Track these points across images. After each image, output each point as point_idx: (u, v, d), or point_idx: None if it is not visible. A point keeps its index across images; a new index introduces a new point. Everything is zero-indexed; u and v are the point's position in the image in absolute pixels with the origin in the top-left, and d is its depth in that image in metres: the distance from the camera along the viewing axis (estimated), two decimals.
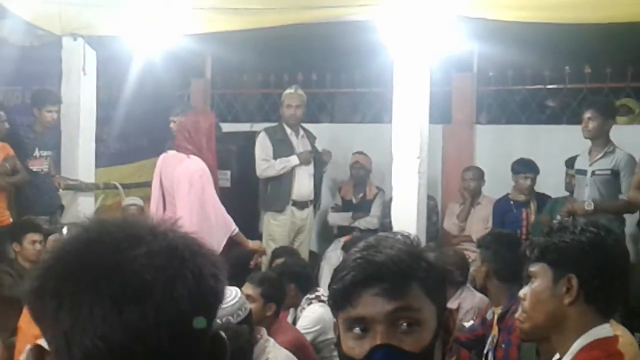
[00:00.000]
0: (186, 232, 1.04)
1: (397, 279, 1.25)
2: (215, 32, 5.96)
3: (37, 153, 6.01)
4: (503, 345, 3.34)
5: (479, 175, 6.58)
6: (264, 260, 5.46)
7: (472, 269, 4.24)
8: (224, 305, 3.21)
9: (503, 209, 6.29)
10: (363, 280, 1.26)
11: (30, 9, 5.99)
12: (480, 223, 6.42)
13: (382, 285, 1.25)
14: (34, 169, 5.97)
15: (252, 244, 5.16)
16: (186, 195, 4.68)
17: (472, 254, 6.13)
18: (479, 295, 4.28)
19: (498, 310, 3.47)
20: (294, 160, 6.20)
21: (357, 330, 1.26)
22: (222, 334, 1.03)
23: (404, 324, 1.24)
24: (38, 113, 6.02)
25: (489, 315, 3.56)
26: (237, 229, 4.91)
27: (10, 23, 6.70)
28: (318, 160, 6.48)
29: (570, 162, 5.80)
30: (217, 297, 1.01)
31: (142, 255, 0.95)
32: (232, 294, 3.30)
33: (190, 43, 6.34)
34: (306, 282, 4.49)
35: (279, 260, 5.00)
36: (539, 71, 7.02)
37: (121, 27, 5.93)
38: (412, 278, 1.26)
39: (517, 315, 1.96)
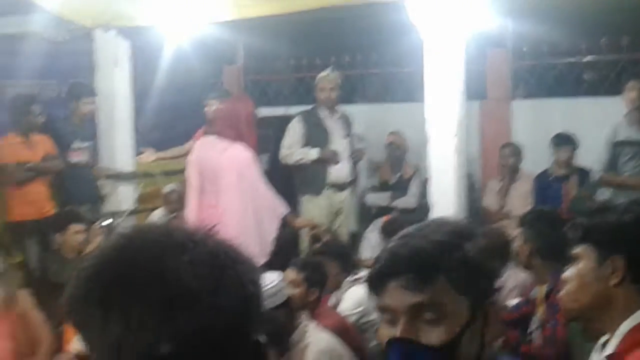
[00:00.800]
0: (224, 238, 1.05)
1: (422, 271, 1.23)
2: (246, 18, 5.95)
3: (75, 145, 6.08)
4: (549, 324, 3.30)
5: (517, 151, 6.50)
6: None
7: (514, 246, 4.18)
8: (265, 287, 3.24)
9: (543, 184, 6.22)
10: (388, 272, 1.26)
11: (60, 3, 6.03)
12: (520, 199, 6.35)
13: (406, 277, 1.24)
14: (74, 160, 6.04)
15: (298, 221, 5.28)
16: (237, 184, 4.70)
17: (513, 231, 6.10)
18: (522, 273, 4.24)
19: (543, 289, 3.43)
20: (313, 154, 6.16)
21: (387, 317, 1.26)
22: (262, 338, 1.05)
23: (427, 317, 1.23)
24: (75, 106, 6.09)
25: (533, 294, 3.52)
26: (287, 210, 4.96)
27: (42, 18, 6.77)
28: (354, 146, 6.45)
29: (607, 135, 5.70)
30: (257, 302, 1.02)
31: (185, 264, 0.96)
32: (271, 280, 3.32)
33: (222, 30, 6.34)
34: (347, 261, 4.49)
35: (317, 246, 5.01)
36: (575, 44, 6.90)
37: (152, 17, 5.94)
38: (439, 270, 1.24)
39: (560, 295, 1.93)
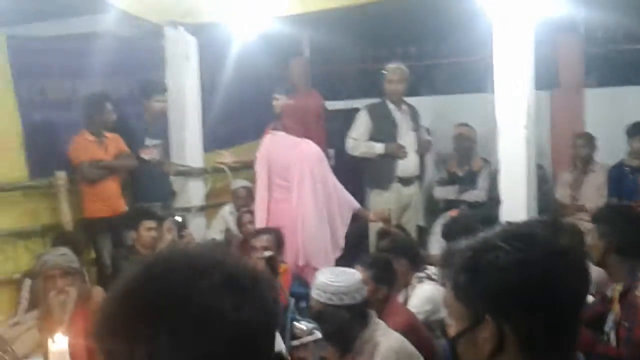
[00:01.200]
0: (242, 258, 1.10)
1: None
2: (311, 11, 5.94)
3: (147, 142, 6.18)
4: (626, 324, 3.19)
5: (591, 141, 6.31)
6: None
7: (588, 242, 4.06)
8: (336, 283, 3.24)
9: (618, 175, 6.03)
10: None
11: (130, 0, 6.13)
12: (594, 191, 6.18)
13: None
14: (146, 157, 6.14)
15: (372, 214, 5.24)
16: (309, 180, 4.73)
17: (588, 224, 5.93)
18: (596, 269, 4.11)
19: (619, 287, 3.32)
20: (380, 148, 6.12)
21: None
22: (284, 353, 1.11)
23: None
24: (147, 103, 6.19)
25: (609, 292, 3.41)
26: (358, 205, 4.95)
27: (111, 15, 6.91)
28: (422, 139, 6.38)
29: None
30: (277, 317, 1.08)
31: (208, 289, 0.99)
32: (354, 273, 3.32)
33: (287, 23, 6.35)
34: (416, 257, 4.45)
35: (384, 243, 4.99)
36: None
37: (219, 13, 5.99)
38: (447, 282, 1.41)
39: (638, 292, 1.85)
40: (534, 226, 1.48)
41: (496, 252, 1.35)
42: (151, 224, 5.17)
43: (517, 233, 1.40)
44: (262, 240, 4.45)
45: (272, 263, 3.99)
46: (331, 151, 6.84)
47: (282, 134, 4.87)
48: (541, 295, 1.33)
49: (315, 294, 3.26)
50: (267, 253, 4.03)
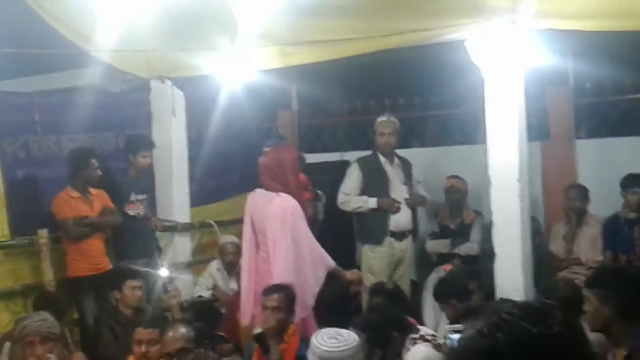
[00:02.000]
0: None
1: None
2: (300, 64, 5.90)
3: (133, 197, 6.06)
4: None
5: (584, 193, 6.23)
6: (363, 289, 5.30)
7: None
8: (341, 347, 3.10)
9: (614, 228, 5.94)
10: None
11: (118, 55, 6.08)
12: (588, 244, 6.08)
13: None
14: (131, 213, 6.02)
15: (349, 274, 5.08)
16: (280, 234, 4.60)
17: (583, 277, 5.82)
18: (593, 334, 3.98)
19: (621, 352, 3.19)
20: (372, 203, 6.02)
21: None
22: None
23: None
24: (133, 159, 6.09)
25: (610, 358, 3.27)
26: (334, 263, 4.81)
27: (99, 70, 6.87)
28: (414, 192, 6.29)
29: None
30: None
31: None
32: (351, 338, 3.18)
33: (275, 76, 6.31)
34: (406, 327, 4.30)
35: (377, 300, 4.85)
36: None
37: (207, 67, 5.95)
38: None
39: None
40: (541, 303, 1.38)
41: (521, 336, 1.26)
42: (136, 282, 5.03)
43: (532, 309, 1.31)
44: (273, 300, 4.24)
45: (262, 340, 3.80)
46: (319, 204, 6.75)
47: (262, 190, 4.78)
48: None
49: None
50: (257, 330, 3.86)
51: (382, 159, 6.14)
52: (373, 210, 6.03)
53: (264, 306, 4.26)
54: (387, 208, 6.01)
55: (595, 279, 3.42)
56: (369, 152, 6.36)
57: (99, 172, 5.71)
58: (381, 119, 6.20)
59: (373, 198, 6.03)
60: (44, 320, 3.60)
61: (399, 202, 6.04)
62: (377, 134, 6.17)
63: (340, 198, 6.13)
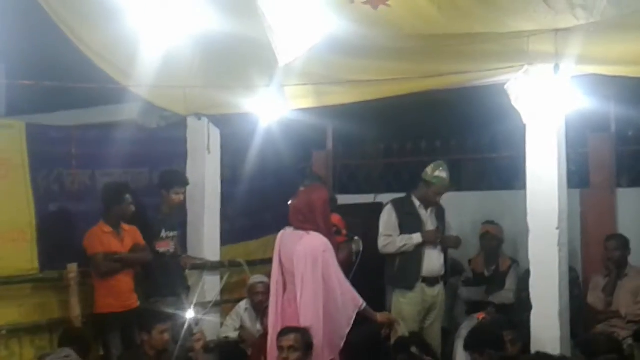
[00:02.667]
0: None
1: None
2: (337, 104, 5.87)
3: (163, 234, 6.02)
4: None
5: (624, 243, 6.04)
6: (399, 330, 5.15)
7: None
8: None
9: None
10: None
11: (156, 92, 6.13)
12: (629, 297, 5.87)
13: None
14: (161, 250, 5.96)
15: (380, 316, 4.96)
16: (310, 273, 4.51)
17: (622, 331, 5.63)
18: None
19: None
20: (417, 238, 5.90)
21: None
22: None
23: None
24: (166, 194, 6.05)
25: None
26: (364, 304, 4.70)
27: (137, 106, 6.91)
28: (447, 236, 6.15)
29: None
30: None
31: None
32: None
33: (311, 115, 6.29)
34: None
35: (402, 356, 4.70)
36: None
37: (244, 105, 5.94)
38: None
39: None
40: None
41: None
42: (164, 326, 4.96)
43: None
44: (289, 340, 4.19)
45: None
46: (354, 248, 6.61)
47: (291, 229, 4.71)
48: None
49: None
50: None
51: (416, 202, 6.02)
52: (406, 254, 5.89)
53: (279, 347, 4.21)
54: (433, 240, 5.90)
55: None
56: (402, 194, 6.25)
57: (133, 208, 5.69)
58: (442, 175, 5.93)
59: (417, 233, 5.89)
60: (67, 357, 3.55)
61: (440, 234, 5.90)
62: (430, 186, 5.95)
63: (383, 240, 5.98)
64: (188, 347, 5.23)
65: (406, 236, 5.92)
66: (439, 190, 5.98)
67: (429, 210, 6.04)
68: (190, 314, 5.22)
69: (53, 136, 5.90)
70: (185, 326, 4.99)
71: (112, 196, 5.65)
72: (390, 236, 5.97)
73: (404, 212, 6.00)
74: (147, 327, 4.95)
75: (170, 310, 5.31)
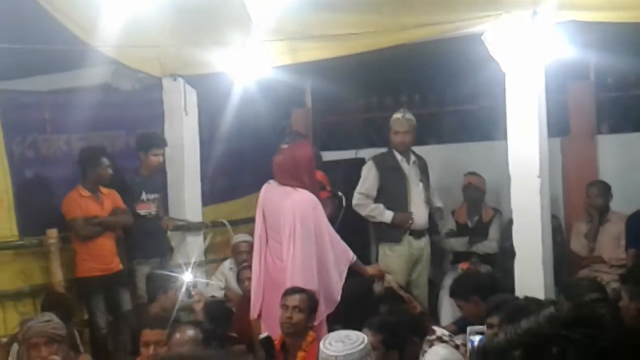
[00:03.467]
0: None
1: None
2: (314, 60, 5.79)
3: (144, 196, 5.98)
4: None
5: (605, 190, 6.07)
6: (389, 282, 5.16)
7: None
8: (345, 351, 2.98)
9: (638, 224, 5.75)
10: None
11: (131, 53, 6.01)
12: (611, 242, 5.92)
13: None
14: (142, 212, 5.93)
15: (370, 269, 4.99)
16: (300, 230, 4.48)
17: (605, 276, 5.68)
18: None
19: None
20: (387, 216, 5.83)
21: None
22: None
23: None
24: (144, 157, 5.99)
25: None
26: (355, 257, 4.71)
27: (111, 69, 6.79)
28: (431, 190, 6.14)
29: None
30: None
31: None
32: (359, 340, 3.10)
33: (289, 73, 6.19)
34: (425, 329, 4.17)
35: (385, 307, 4.72)
36: None
37: (219, 64, 5.85)
38: None
39: None
40: (590, 309, 1.22)
41: (562, 344, 1.12)
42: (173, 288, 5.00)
43: (577, 318, 1.17)
44: (295, 300, 4.11)
45: (268, 345, 3.67)
46: (338, 205, 6.59)
47: (276, 184, 4.66)
48: None
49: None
50: (262, 335, 3.74)
51: (398, 156, 5.98)
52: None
53: (284, 305, 4.15)
54: (401, 224, 5.84)
55: (627, 274, 3.30)
56: (384, 150, 6.21)
57: (110, 171, 5.63)
58: (396, 116, 6.01)
59: (389, 212, 5.83)
60: (49, 321, 3.51)
61: (412, 220, 5.86)
62: (392, 132, 5.99)
63: (356, 199, 5.94)
64: (188, 308, 5.24)
65: (379, 208, 5.85)
66: (397, 128, 5.93)
67: (411, 162, 6.01)
68: (188, 276, 5.17)
69: (25, 101, 5.78)
70: (184, 288, 4.96)
71: (88, 160, 5.59)
72: (364, 196, 5.90)
73: (386, 167, 5.95)
74: (162, 289, 4.93)
75: (169, 272, 5.29)
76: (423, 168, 6.07)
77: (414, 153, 6.09)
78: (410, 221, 5.83)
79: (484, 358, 1.13)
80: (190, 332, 3.51)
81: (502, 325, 2.49)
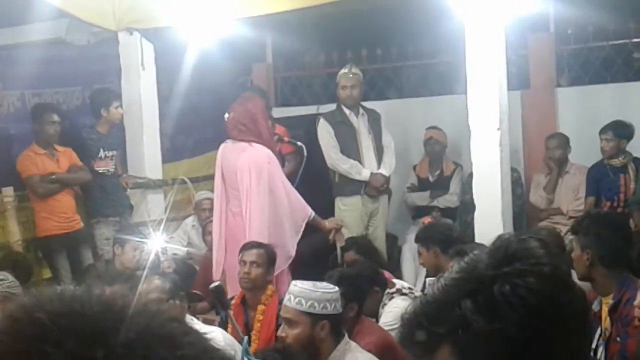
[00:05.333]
0: (166, 313, 0.81)
1: (423, 344, 1.10)
2: (273, 13, 5.68)
3: (102, 154, 5.87)
4: (618, 339, 2.97)
5: (564, 142, 6.13)
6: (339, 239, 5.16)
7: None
8: (319, 290, 3.01)
9: (599, 174, 5.83)
10: (402, 344, 1.17)
11: (84, 6, 5.84)
12: (570, 193, 5.99)
13: (413, 351, 1.13)
14: (100, 170, 5.83)
15: (328, 223, 4.97)
16: (255, 186, 4.46)
17: (564, 227, 5.75)
18: (578, 283, 3.89)
19: (608, 300, 3.09)
20: (365, 174, 5.82)
21: None
22: None
23: None
24: (106, 112, 5.85)
25: (595, 307, 3.17)
26: (313, 213, 4.69)
27: (65, 23, 6.60)
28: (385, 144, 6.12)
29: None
30: None
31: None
32: (329, 287, 3.17)
33: (248, 27, 6.08)
34: (384, 281, 4.19)
35: (350, 254, 4.73)
36: (622, 24, 6.49)
37: (176, 17, 5.72)
38: (441, 339, 1.09)
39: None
40: (516, 242, 1.19)
41: (509, 281, 1.09)
42: (137, 245, 4.91)
43: (509, 254, 1.14)
44: (252, 255, 4.06)
45: (219, 294, 3.65)
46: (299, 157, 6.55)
47: (232, 142, 4.61)
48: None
49: (294, 302, 3.02)
50: (214, 284, 3.71)
51: (346, 111, 5.96)
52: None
53: (242, 261, 4.11)
54: (378, 184, 5.84)
55: (576, 225, 3.31)
56: None
57: (58, 127, 5.50)
58: (343, 71, 6.00)
59: (367, 170, 5.83)
60: (3, 280, 3.44)
61: (387, 184, 5.84)
62: (339, 87, 5.98)
63: (330, 157, 5.87)
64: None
65: (358, 166, 5.84)
66: (344, 83, 5.92)
67: (359, 115, 5.98)
68: (159, 241, 5.07)
69: None
70: (153, 252, 4.88)
71: (38, 117, 5.49)
72: (337, 150, 5.86)
73: (336, 121, 5.94)
74: (121, 241, 4.86)
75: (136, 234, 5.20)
76: (373, 120, 6.06)
77: (363, 107, 6.08)
78: (384, 184, 5.83)
79: (428, 317, 1.10)
80: (156, 281, 3.47)
81: None
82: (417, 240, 4.72)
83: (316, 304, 3.03)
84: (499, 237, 1.19)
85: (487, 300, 1.07)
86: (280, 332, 3.15)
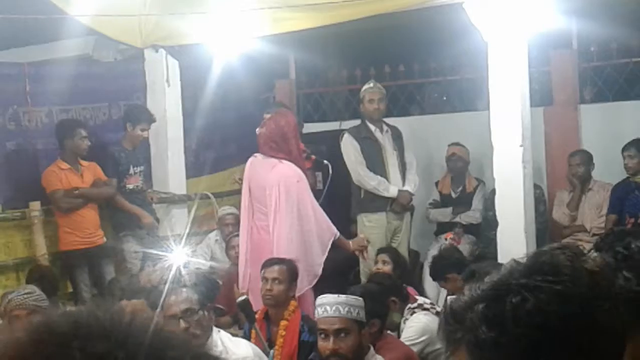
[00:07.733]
0: (156, 328, 0.84)
1: (448, 342, 1.15)
2: (297, 30, 5.74)
3: (132, 170, 5.93)
4: None
5: (587, 159, 6.11)
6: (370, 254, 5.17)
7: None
8: (357, 298, 3.12)
9: (624, 192, 5.79)
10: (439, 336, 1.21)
11: (111, 24, 5.93)
12: (593, 211, 5.96)
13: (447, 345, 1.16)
14: (131, 186, 5.89)
15: (352, 244, 4.97)
16: (284, 203, 4.47)
17: (587, 244, 5.72)
18: None
19: None
20: (392, 191, 5.86)
21: None
22: None
23: None
24: (131, 129, 5.91)
25: None
26: (338, 233, 4.71)
27: (93, 40, 6.72)
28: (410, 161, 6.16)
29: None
30: None
31: None
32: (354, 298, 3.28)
33: (272, 45, 6.15)
34: (405, 296, 4.20)
35: (383, 256, 4.74)
36: None
37: (201, 34, 5.80)
38: (459, 339, 1.12)
39: None
40: (549, 255, 1.19)
41: (521, 293, 1.09)
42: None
43: (536, 266, 1.14)
44: (274, 272, 4.07)
45: (246, 308, 3.68)
46: (318, 174, 6.59)
47: (261, 156, 4.64)
48: (586, 335, 1.08)
49: (343, 311, 3.09)
50: (241, 298, 3.74)
51: (371, 127, 6.00)
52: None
53: (264, 278, 4.13)
54: (403, 202, 5.88)
55: (600, 243, 3.28)
56: None
57: (87, 142, 5.58)
58: (367, 85, 6.06)
59: (394, 187, 5.86)
60: (30, 293, 3.50)
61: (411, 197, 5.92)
62: (364, 102, 6.02)
63: (359, 171, 5.89)
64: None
65: (385, 184, 5.86)
66: (370, 97, 5.97)
67: (384, 131, 6.02)
68: (182, 257, 5.09)
69: (5, 73, 5.73)
70: (174, 269, 4.91)
71: (64, 132, 5.56)
72: (364, 167, 5.88)
73: (361, 137, 5.97)
74: (152, 257, 4.97)
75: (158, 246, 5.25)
76: (396, 136, 6.09)
77: (386, 123, 6.11)
78: (410, 201, 5.87)
79: (452, 316, 1.12)
80: (186, 292, 3.50)
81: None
82: (433, 277, 4.72)
83: (360, 312, 3.17)
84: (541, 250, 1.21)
85: (496, 310, 1.08)
86: (332, 346, 3.13)
